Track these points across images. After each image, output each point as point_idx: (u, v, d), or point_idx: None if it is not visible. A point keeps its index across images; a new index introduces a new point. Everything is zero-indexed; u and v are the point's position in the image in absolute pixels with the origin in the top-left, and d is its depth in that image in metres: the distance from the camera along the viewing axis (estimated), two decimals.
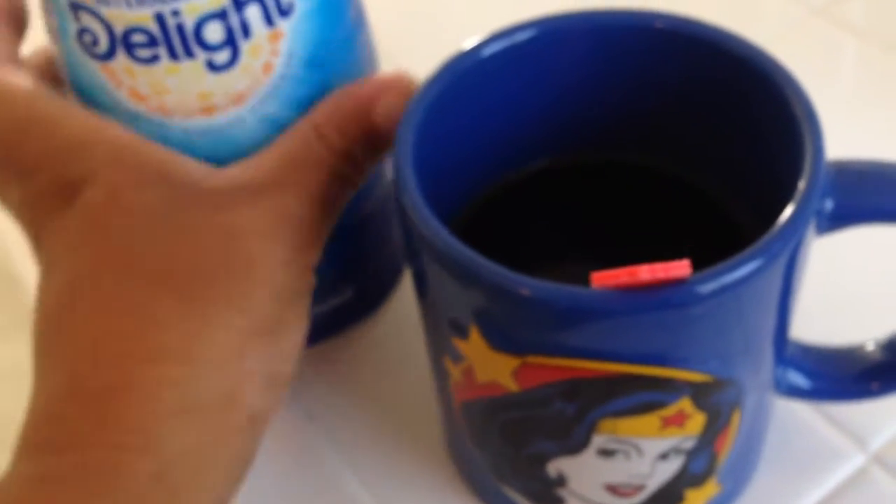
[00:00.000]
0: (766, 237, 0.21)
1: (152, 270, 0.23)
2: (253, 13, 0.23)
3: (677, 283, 0.20)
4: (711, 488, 0.27)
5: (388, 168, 0.29)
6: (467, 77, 0.26)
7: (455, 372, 0.25)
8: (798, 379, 0.28)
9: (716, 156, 0.27)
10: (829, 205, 0.23)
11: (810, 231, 0.23)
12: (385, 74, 0.26)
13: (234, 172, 0.24)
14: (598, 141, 0.29)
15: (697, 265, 0.21)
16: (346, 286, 0.31)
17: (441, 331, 0.24)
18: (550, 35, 0.27)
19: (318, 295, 0.26)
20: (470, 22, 0.42)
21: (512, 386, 0.23)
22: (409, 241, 0.24)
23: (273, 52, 0.24)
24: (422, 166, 0.24)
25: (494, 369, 0.23)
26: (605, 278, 0.20)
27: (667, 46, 0.26)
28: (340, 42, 0.26)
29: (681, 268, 0.20)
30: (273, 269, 0.24)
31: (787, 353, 0.27)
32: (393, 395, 0.32)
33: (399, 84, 0.26)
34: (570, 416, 0.24)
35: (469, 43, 0.26)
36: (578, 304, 0.21)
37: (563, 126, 0.29)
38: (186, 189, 0.24)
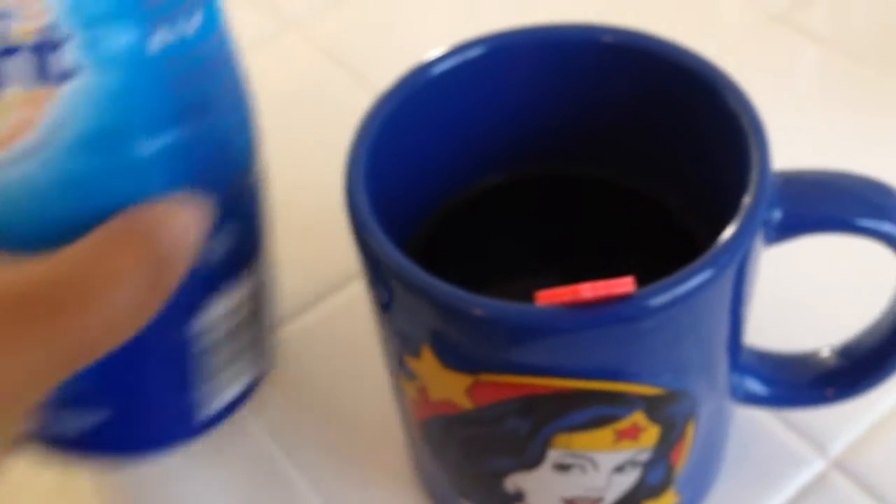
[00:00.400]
0: (712, 250, 0.22)
1: None
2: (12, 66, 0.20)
3: (623, 298, 0.20)
4: (670, 498, 0.27)
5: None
6: (422, 93, 0.26)
7: (410, 390, 0.25)
8: (755, 386, 0.28)
9: (669, 168, 0.28)
10: (777, 215, 0.23)
11: (758, 242, 0.23)
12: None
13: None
14: (555, 154, 0.29)
15: (654, 277, 0.21)
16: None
17: (394, 349, 0.24)
18: (503, 51, 0.27)
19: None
20: (431, 35, 0.43)
21: (466, 404, 0.23)
22: (361, 259, 0.24)
23: (31, 119, 0.20)
24: (375, 183, 0.24)
25: (448, 388, 0.23)
26: (549, 297, 0.20)
27: (617, 60, 0.27)
28: (147, 126, 0.21)
29: (624, 285, 0.20)
30: None
31: (742, 360, 0.27)
32: (356, 412, 0.32)
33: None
34: (524, 433, 0.24)
35: (425, 58, 0.26)
36: (527, 322, 0.21)
37: (518, 140, 0.29)
38: None
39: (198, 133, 0.22)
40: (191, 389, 0.25)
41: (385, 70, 0.27)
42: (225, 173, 0.23)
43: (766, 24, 0.43)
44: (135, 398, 0.25)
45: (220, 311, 0.25)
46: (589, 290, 0.20)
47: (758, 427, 0.31)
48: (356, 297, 0.35)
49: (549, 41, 0.26)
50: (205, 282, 0.24)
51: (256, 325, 0.26)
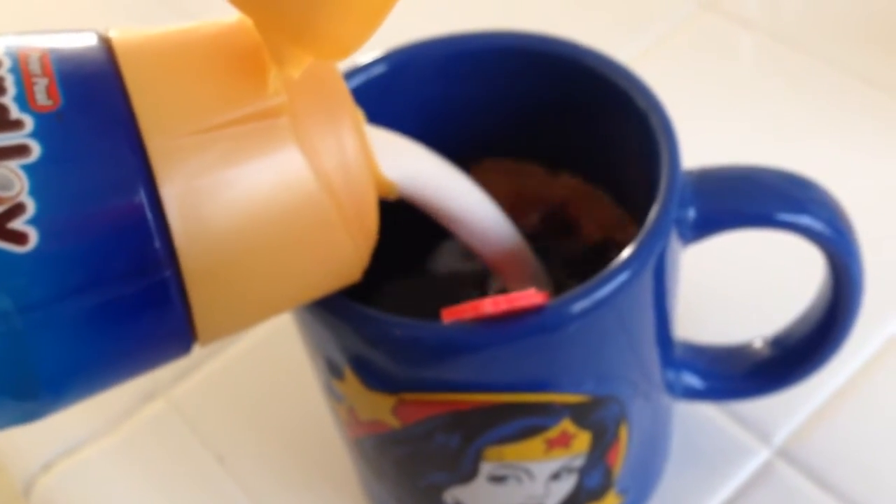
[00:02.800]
0: (624, 255, 0.22)
1: None
2: None
3: (530, 311, 0.20)
4: (612, 499, 0.27)
5: None
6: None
7: (340, 411, 0.25)
8: (692, 380, 0.28)
9: (592, 169, 0.28)
10: (691, 214, 0.23)
11: (673, 242, 0.23)
12: None
13: None
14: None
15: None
16: None
17: (321, 372, 0.24)
18: (412, 63, 0.26)
19: None
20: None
21: (393, 422, 0.23)
22: None
23: None
24: None
25: (374, 408, 0.23)
26: (453, 314, 0.20)
27: (525, 64, 0.26)
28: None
29: (528, 297, 0.20)
30: None
31: (676, 356, 0.27)
32: (304, 434, 0.32)
33: None
34: (455, 447, 0.24)
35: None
36: (440, 341, 0.21)
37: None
38: None
39: None
40: None
41: None
42: None
43: (698, 14, 0.43)
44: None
45: None
46: (491, 305, 0.20)
47: (702, 420, 0.31)
48: None
49: (455, 51, 0.26)
50: None
51: None
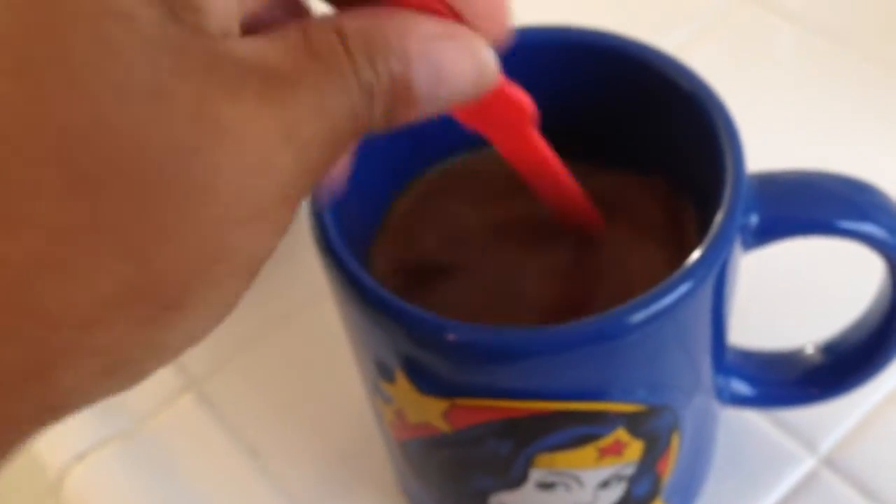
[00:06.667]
0: (691, 262, 0.21)
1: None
2: None
3: (606, 317, 0.20)
4: None
5: None
6: None
7: (387, 413, 0.24)
8: (740, 386, 0.27)
9: (647, 161, 0.27)
10: (753, 220, 0.23)
11: (736, 249, 0.22)
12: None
13: (247, 46, 0.16)
14: None
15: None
16: None
17: (369, 373, 0.24)
18: None
19: None
20: None
21: (444, 427, 0.23)
22: (331, 285, 0.23)
23: None
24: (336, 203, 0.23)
25: (424, 412, 0.23)
26: None
27: (591, 61, 0.26)
28: None
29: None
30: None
31: (727, 361, 0.26)
32: (340, 431, 0.32)
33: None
34: (505, 453, 0.23)
35: None
36: (502, 347, 0.20)
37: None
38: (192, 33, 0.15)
39: None
40: None
41: None
42: None
43: (738, 6, 0.42)
44: None
45: None
46: None
47: (747, 427, 0.30)
48: None
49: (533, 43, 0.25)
50: None
51: None
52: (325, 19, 0.17)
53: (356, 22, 0.17)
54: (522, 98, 0.21)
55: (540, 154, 0.23)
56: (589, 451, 0.23)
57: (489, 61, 0.18)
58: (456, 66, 0.18)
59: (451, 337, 0.21)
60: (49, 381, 0.15)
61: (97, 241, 0.15)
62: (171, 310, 0.16)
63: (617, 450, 0.23)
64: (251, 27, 0.17)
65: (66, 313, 0.15)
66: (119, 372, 0.16)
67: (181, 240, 0.15)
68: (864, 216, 0.23)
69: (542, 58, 0.26)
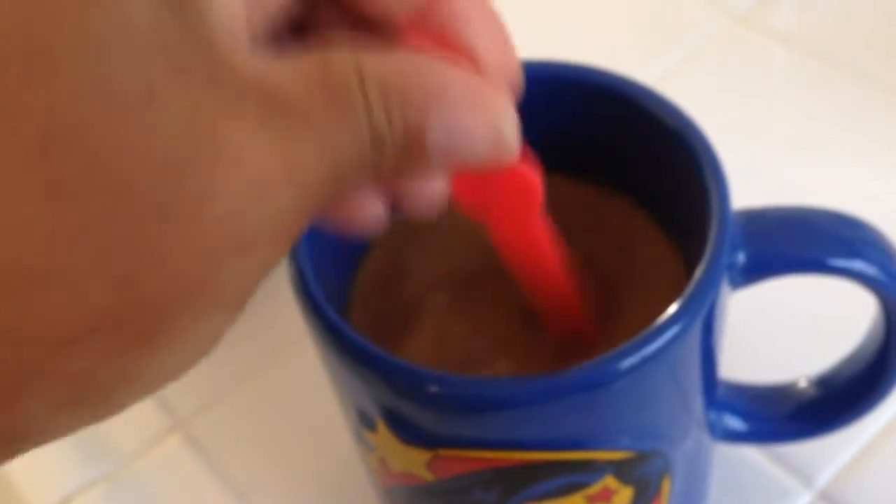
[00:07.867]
0: (677, 306, 0.21)
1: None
2: None
3: (591, 365, 0.19)
4: None
5: None
6: None
7: (371, 460, 0.24)
8: (733, 422, 0.27)
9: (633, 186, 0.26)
10: (740, 258, 0.22)
11: (723, 289, 0.22)
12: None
13: (258, 64, 0.15)
14: None
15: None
16: None
17: (351, 421, 0.23)
18: None
19: None
20: None
21: (428, 476, 0.22)
22: (312, 334, 0.22)
23: None
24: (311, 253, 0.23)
25: (407, 461, 0.22)
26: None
27: (571, 94, 0.25)
28: None
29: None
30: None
31: (719, 395, 0.26)
32: (328, 474, 0.31)
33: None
34: (491, 502, 0.23)
35: None
36: (478, 397, 0.20)
37: None
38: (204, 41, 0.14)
39: None
40: None
41: None
42: None
43: (731, 27, 0.41)
44: None
45: None
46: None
47: (742, 461, 0.30)
48: None
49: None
50: None
51: None
52: (347, 53, 0.16)
53: (378, 64, 0.16)
54: (534, 179, 0.20)
55: (539, 247, 0.21)
56: (577, 500, 0.22)
57: (511, 132, 0.17)
58: (476, 130, 0.17)
59: (433, 389, 0.20)
60: (16, 407, 0.14)
61: (75, 256, 0.13)
62: (148, 338, 0.14)
63: (605, 497, 0.23)
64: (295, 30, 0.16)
65: (39, 332, 0.14)
66: (89, 400, 0.15)
67: (165, 264, 0.14)
68: (854, 253, 0.22)
69: (527, 93, 0.25)
